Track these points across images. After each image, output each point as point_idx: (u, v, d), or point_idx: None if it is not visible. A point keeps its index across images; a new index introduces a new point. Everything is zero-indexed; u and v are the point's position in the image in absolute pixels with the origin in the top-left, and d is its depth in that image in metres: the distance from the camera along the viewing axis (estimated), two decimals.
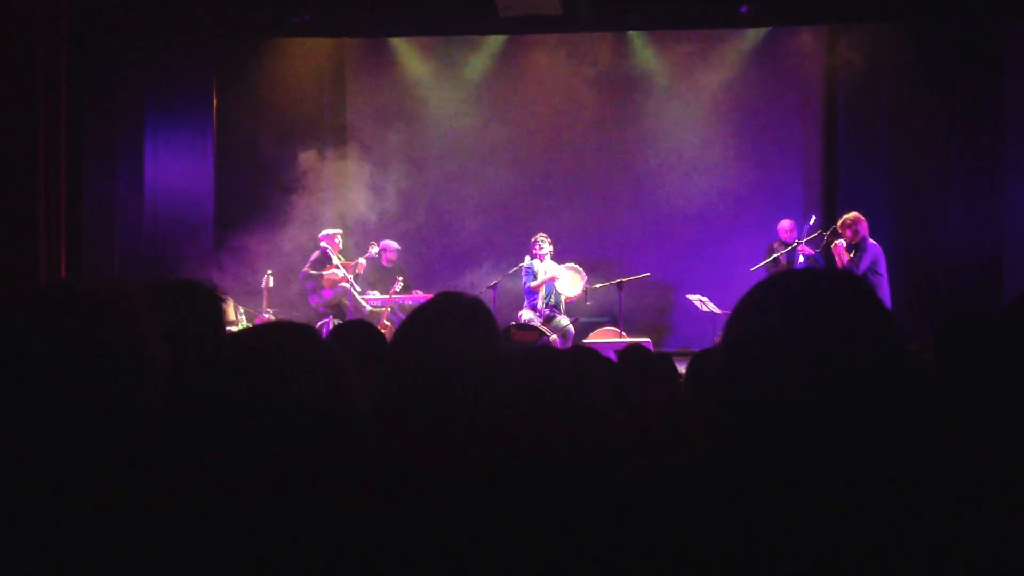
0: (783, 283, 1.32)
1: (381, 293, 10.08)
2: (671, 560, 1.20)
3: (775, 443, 1.21)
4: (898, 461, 1.20)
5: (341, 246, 10.32)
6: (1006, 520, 1.16)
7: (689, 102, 11.26)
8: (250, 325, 8.12)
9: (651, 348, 7.70)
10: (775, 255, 9.92)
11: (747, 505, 1.19)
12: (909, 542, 1.14)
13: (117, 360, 1.39)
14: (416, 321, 2.09)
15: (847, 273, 1.37)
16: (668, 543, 1.21)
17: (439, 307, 2.10)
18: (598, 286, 10.10)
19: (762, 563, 1.16)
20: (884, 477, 1.19)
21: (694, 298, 10.15)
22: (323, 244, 10.16)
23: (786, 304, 1.27)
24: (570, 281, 9.84)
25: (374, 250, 10.37)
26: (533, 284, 9.76)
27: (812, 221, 9.82)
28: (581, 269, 9.94)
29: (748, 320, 1.30)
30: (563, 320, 9.73)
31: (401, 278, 10.09)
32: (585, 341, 9.10)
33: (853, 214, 8.79)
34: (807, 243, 9.60)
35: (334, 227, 10.46)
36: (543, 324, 9.50)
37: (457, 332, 2.01)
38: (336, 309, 9.96)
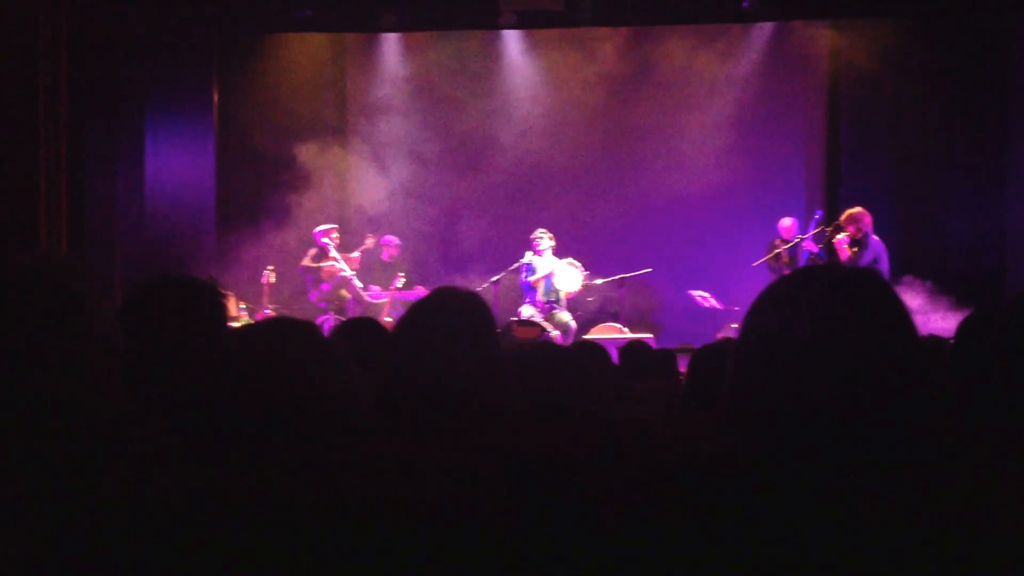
0: (801, 280, 1.31)
1: (383, 288, 10.08)
2: (675, 558, 1.19)
3: (790, 440, 1.21)
4: (916, 458, 1.20)
5: (338, 240, 10.30)
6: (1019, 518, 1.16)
7: (691, 97, 11.25)
8: (251, 321, 8.14)
9: (653, 344, 7.70)
10: (776, 251, 9.91)
11: (758, 502, 1.18)
12: (925, 540, 1.14)
13: (61, 335, 1.39)
14: (412, 316, 2.09)
15: (867, 270, 1.37)
16: (671, 541, 1.20)
17: (435, 302, 2.10)
18: (600, 282, 10.09)
19: (773, 562, 1.15)
20: (901, 474, 1.18)
21: (696, 294, 10.15)
22: (323, 240, 10.14)
23: (804, 301, 1.26)
24: (568, 277, 9.83)
25: (370, 242, 10.37)
26: (531, 279, 9.74)
27: (817, 216, 9.81)
28: (580, 265, 9.92)
29: (765, 316, 1.29)
30: (564, 316, 9.72)
31: (402, 273, 10.10)
32: (586, 337, 9.09)
33: (857, 209, 8.78)
34: (811, 238, 9.59)
35: (333, 223, 10.45)
36: (544, 320, 9.49)
37: (453, 327, 2.01)
38: (336, 304, 9.97)
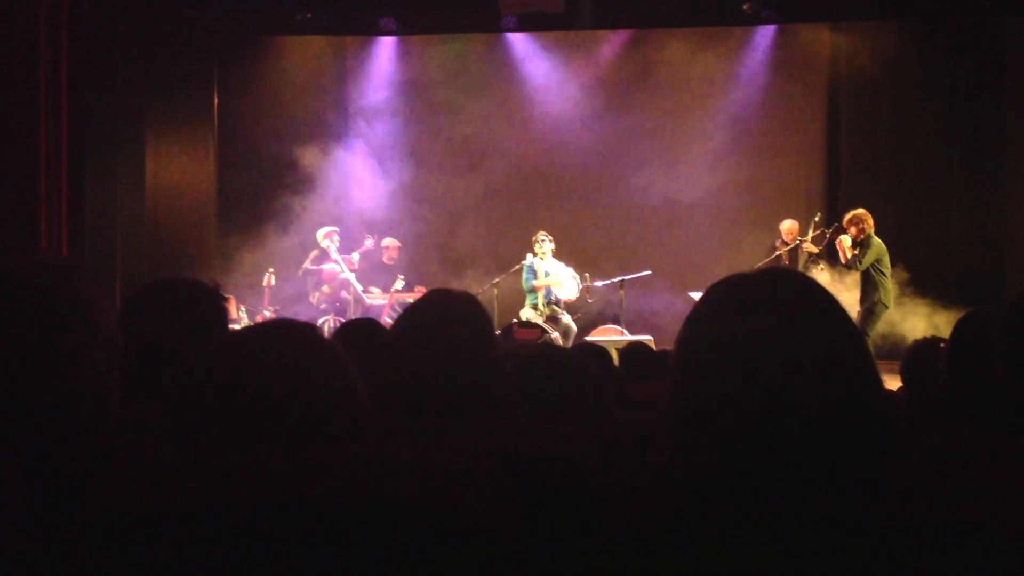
0: (732, 284, 1.31)
1: (383, 291, 10.08)
2: (675, 560, 1.19)
3: (725, 450, 1.20)
4: (863, 456, 1.19)
5: (339, 242, 10.30)
6: (1011, 518, 1.16)
7: (692, 100, 11.25)
8: (251, 323, 8.13)
9: (653, 346, 7.69)
10: (777, 253, 9.90)
11: (699, 515, 1.18)
12: (891, 538, 1.13)
13: (58, 338, 1.39)
14: (406, 318, 2.09)
15: (794, 271, 1.38)
16: (671, 542, 1.20)
17: (428, 303, 2.10)
18: (599, 284, 10.08)
19: (758, 559, 1.15)
20: (849, 473, 1.18)
21: (696, 296, 10.13)
22: (324, 243, 10.15)
23: (735, 304, 1.26)
24: (566, 285, 9.83)
25: (368, 243, 10.37)
26: (535, 284, 9.75)
27: (817, 219, 9.79)
28: (577, 275, 9.92)
29: (699, 323, 1.29)
30: (564, 318, 9.72)
31: (402, 276, 10.09)
32: (587, 339, 9.08)
33: (860, 210, 8.78)
34: (811, 241, 9.58)
35: (333, 225, 10.46)
36: (544, 322, 9.49)
37: (447, 327, 2.01)
38: (337, 305, 9.96)
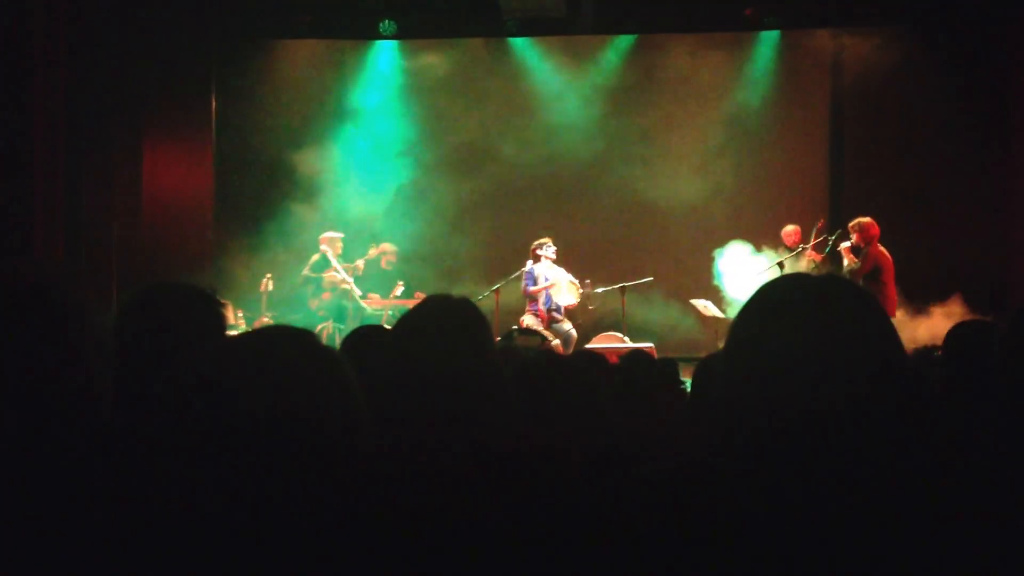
0: (785, 288, 1.32)
1: (382, 296, 10.07)
2: (673, 565, 1.18)
3: (778, 449, 1.20)
4: (899, 466, 1.20)
5: (341, 249, 10.29)
6: (1009, 525, 1.16)
7: (693, 105, 11.25)
8: (249, 329, 8.11)
9: (654, 353, 7.68)
10: (779, 259, 9.88)
11: (748, 511, 1.18)
12: (910, 547, 1.14)
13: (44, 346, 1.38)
14: (405, 325, 2.07)
15: (848, 280, 1.38)
16: (671, 548, 1.19)
17: (427, 309, 2.08)
18: (600, 290, 10.07)
19: (764, 569, 1.14)
20: (885, 483, 1.18)
21: (698, 303, 10.12)
22: (323, 247, 10.14)
23: (787, 310, 1.27)
24: (566, 290, 9.81)
25: (372, 252, 10.36)
26: (532, 290, 9.73)
27: (819, 225, 9.78)
28: (578, 281, 9.90)
29: (750, 325, 1.29)
30: (565, 325, 9.71)
31: (402, 281, 10.08)
32: (587, 346, 9.07)
33: (866, 219, 8.78)
34: (813, 248, 9.57)
35: (334, 230, 10.44)
36: (545, 329, 9.47)
37: (446, 333, 2.00)
38: (336, 312, 9.95)
